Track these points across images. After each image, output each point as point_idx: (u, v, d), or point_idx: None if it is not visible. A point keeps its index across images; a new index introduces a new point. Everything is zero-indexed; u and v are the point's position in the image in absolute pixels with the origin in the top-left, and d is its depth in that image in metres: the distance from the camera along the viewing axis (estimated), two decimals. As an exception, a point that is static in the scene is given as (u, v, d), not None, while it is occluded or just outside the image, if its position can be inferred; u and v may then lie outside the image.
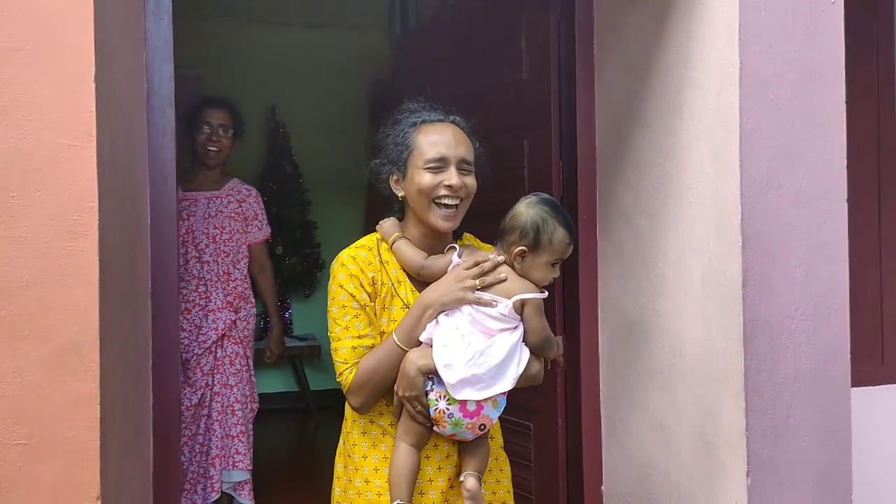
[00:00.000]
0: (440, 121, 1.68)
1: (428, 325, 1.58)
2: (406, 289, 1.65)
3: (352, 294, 1.59)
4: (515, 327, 1.60)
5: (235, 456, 2.92)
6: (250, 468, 2.98)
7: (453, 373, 1.52)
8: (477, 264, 1.59)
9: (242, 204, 3.14)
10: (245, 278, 3.11)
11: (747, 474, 1.83)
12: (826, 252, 1.88)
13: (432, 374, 1.56)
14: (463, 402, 1.55)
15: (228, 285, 3.02)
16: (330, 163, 5.74)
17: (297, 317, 5.73)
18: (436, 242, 1.68)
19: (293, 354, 5.34)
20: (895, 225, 2.65)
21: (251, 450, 3.00)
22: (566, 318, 2.56)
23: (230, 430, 2.93)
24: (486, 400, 1.55)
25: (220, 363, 2.94)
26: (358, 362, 1.58)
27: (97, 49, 1.46)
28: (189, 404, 2.90)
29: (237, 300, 3.03)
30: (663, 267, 2.11)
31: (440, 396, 1.55)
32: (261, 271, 3.25)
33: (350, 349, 1.59)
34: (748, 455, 1.82)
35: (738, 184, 1.80)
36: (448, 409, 1.55)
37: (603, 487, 2.47)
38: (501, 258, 1.60)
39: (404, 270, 1.66)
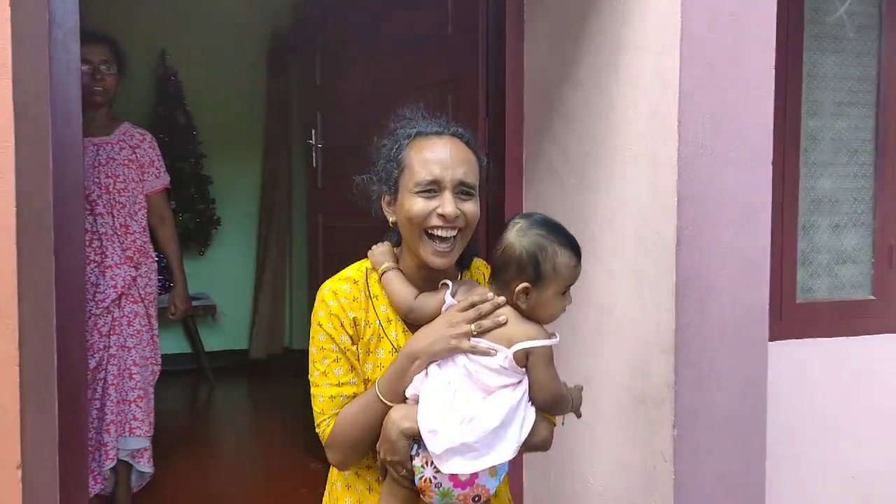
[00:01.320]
0: (437, 133, 1.43)
1: (416, 377, 1.38)
2: (397, 329, 1.45)
3: (331, 335, 1.41)
4: (519, 382, 1.38)
5: (133, 422, 2.76)
6: (150, 435, 2.82)
7: (439, 441, 1.31)
8: (473, 305, 1.37)
9: (136, 150, 2.92)
10: (144, 231, 2.91)
11: (673, 426, 1.89)
12: (752, 214, 1.95)
13: (418, 438, 1.35)
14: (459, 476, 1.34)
15: (126, 239, 2.81)
16: (226, 115, 5.48)
17: (191, 275, 5.39)
18: (432, 274, 1.44)
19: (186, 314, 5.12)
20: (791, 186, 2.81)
21: (152, 415, 2.85)
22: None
23: (127, 394, 2.76)
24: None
25: (117, 324, 2.76)
26: (337, 413, 1.40)
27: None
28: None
29: (136, 255, 2.83)
30: (594, 227, 2.13)
31: (426, 462, 1.35)
32: (160, 222, 3.05)
33: (328, 398, 1.41)
34: (675, 408, 1.88)
35: (676, 145, 1.83)
36: (436, 479, 1.34)
37: (525, 443, 2.51)
38: (502, 299, 1.38)
39: None
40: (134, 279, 2.81)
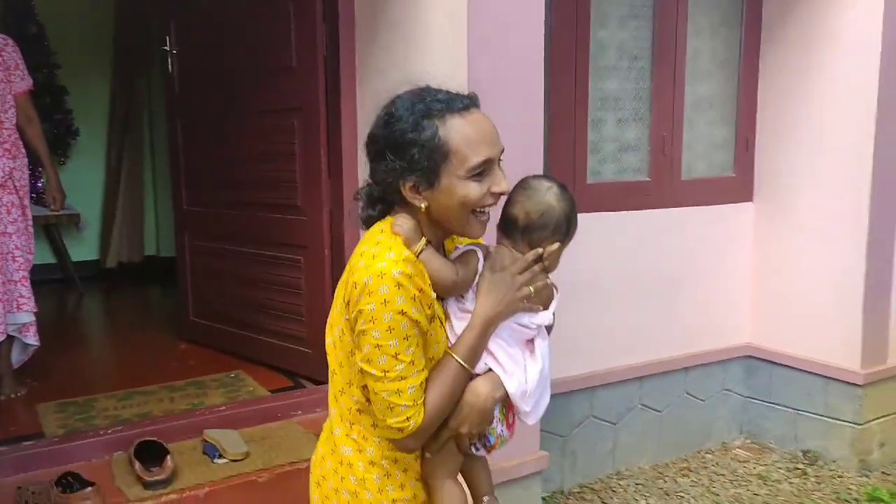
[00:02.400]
0: (466, 108, 1.33)
1: None
2: (437, 303, 1.40)
3: (416, 320, 1.30)
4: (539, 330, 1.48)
5: (20, 299, 3.04)
6: (35, 310, 3.12)
7: (529, 398, 1.42)
8: (526, 265, 1.40)
9: (1, 53, 3.11)
10: (14, 128, 3.12)
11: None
12: (529, 100, 2.46)
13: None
14: (508, 419, 1.47)
15: (2, 134, 3.03)
16: (80, 24, 5.50)
17: (52, 186, 5.55)
18: (444, 243, 1.47)
19: (50, 223, 5.24)
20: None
21: (33, 294, 3.13)
22: (330, 161, 2.98)
23: (12, 275, 3.03)
24: None
25: None
26: (424, 400, 1.33)
27: None
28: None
29: (12, 148, 3.06)
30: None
31: (497, 421, 1.45)
32: (28, 122, 3.25)
33: (417, 387, 1.32)
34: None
35: (465, 43, 2.29)
36: (501, 431, 1.47)
37: (363, 301, 3.00)
38: (541, 250, 1.41)
39: None
40: (10, 171, 3.03)
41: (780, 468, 3.60)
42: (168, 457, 2.42)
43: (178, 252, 3.85)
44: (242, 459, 2.54)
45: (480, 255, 1.43)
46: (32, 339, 3.14)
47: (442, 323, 1.38)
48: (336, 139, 2.93)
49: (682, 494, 3.36)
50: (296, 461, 2.55)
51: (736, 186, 3.79)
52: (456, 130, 1.30)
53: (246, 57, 3.26)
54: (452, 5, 2.33)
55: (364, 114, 2.86)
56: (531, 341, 1.46)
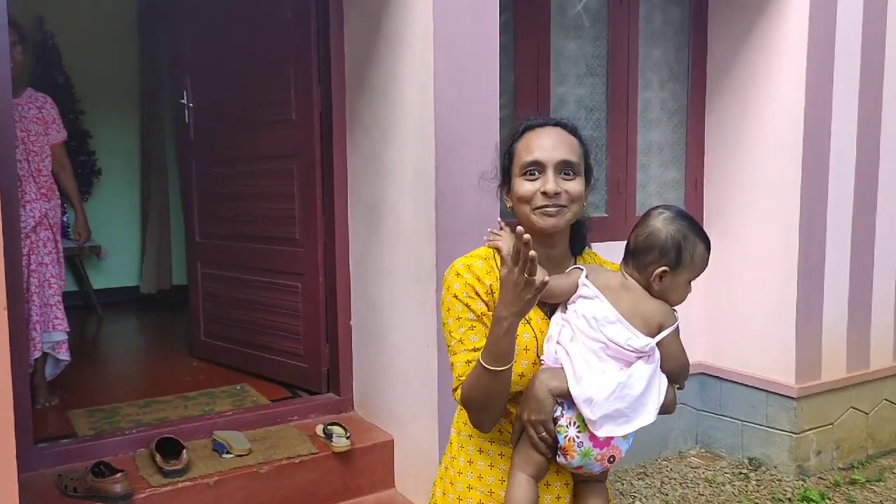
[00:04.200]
0: (541, 125, 1.57)
1: (548, 347, 1.50)
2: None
3: (467, 304, 1.51)
4: (651, 354, 1.49)
5: (54, 320, 3.53)
6: (67, 330, 3.60)
7: (595, 408, 1.42)
8: (518, 255, 1.35)
9: (42, 110, 3.64)
10: (50, 174, 3.64)
11: (436, 291, 2.88)
12: (486, 149, 2.93)
13: (562, 399, 1.46)
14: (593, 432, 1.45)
15: (39, 179, 3.55)
16: (101, 73, 6.06)
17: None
18: (549, 250, 1.56)
19: (73, 254, 5.74)
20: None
21: (66, 316, 3.61)
22: (324, 201, 3.47)
23: (48, 299, 3.52)
24: None
25: (35, 246, 3.49)
26: (464, 380, 1.50)
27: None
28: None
29: (48, 192, 3.57)
30: (388, 163, 3.08)
31: (570, 422, 1.45)
32: (61, 168, 3.78)
33: (464, 363, 1.50)
34: (437, 281, 2.87)
35: (433, 106, 2.78)
36: (578, 438, 1.45)
37: (351, 322, 3.47)
38: (522, 229, 1.37)
39: None
40: (46, 212, 3.54)
41: (726, 473, 4.02)
42: (184, 451, 2.87)
43: (191, 279, 4.33)
44: (246, 455, 2.99)
45: (584, 273, 1.52)
46: (64, 355, 3.62)
47: (527, 321, 1.51)
48: (329, 181, 3.41)
49: (635, 494, 3.78)
50: (292, 456, 3.00)
51: (687, 221, 4.25)
52: (523, 139, 1.56)
53: (251, 109, 3.76)
54: (423, 78, 2.82)
55: (352, 162, 3.35)
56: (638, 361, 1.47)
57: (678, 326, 1.53)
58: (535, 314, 1.55)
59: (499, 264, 1.53)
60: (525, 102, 3.64)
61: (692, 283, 1.55)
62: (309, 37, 3.39)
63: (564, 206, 1.50)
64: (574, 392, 1.43)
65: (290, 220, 3.61)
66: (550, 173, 1.49)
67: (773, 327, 3.97)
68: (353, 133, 3.34)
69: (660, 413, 1.50)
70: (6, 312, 2.12)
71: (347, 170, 3.39)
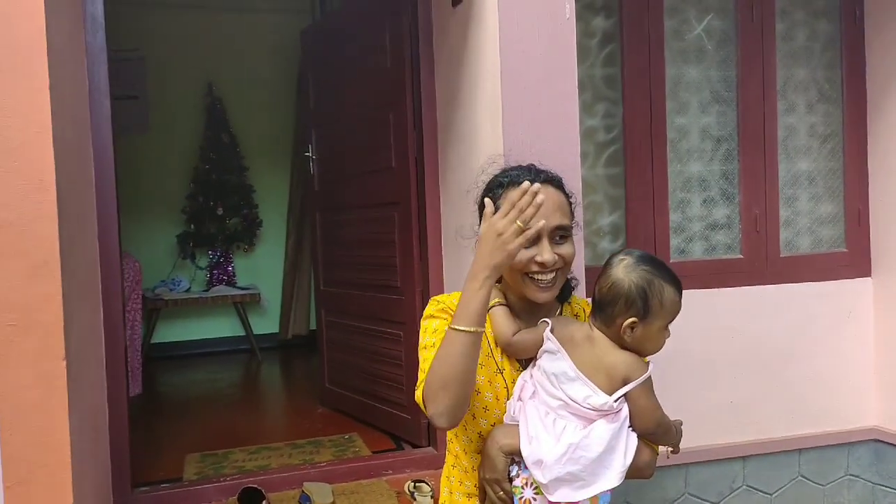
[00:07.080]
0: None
1: (510, 404, 1.46)
2: (503, 354, 1.54)
3: (438, 319, 1.54)
4: (618, 411, 1.38)
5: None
6: None
7: (545, 471, 1.34)
8: (512, 206, 1.34)
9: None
10: None
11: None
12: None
13: (517, 457, 1.39)
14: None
15: None
16: (263, 132, 6.48)
17: (240, 269, 6.51)
18: (536, 306, 1.54)
19: (237, 301, 6.12)
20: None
21: None
22: (421, 248, 3.37)
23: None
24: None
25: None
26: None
27: (51, 69, 2.20)
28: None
29: None
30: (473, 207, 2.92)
31: (526, 483, 1.39)
32: None
33: (430, 364, 1.45)
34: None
35: (502, 143, 2.60)
36: (535, 500, 1.37)
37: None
38: (526, 184, 1.36)
39: None
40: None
41: (905, 565, 3.33)
42: (263, 501, 2.86)
43: (318, 326, 4.41)
44: (327, 508, 2.92)
45: (549, 326, 1.47)
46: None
47: (500, 370, 1.51)
48: (423, 228, 3.32)
49: (781, 583, 3.23)
50: (371, 513, 2.88)
51: (849, 261, 3.66)
52: (510, 201, 1.39)
53: (360, 157, 3.79)
54: (492, 114, 2.67)
55: (444, 208, 3.24)
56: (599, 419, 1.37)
57: (650, 379, 1.42)
58: (508, 365, 1.53)
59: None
60: (636, 136, 3.34)
61: (669, 327, 1.45)
62: (404, 82, 3.36)
63: (558, 271, 1.49)
64: (524, 452, 1.37)
65: (392, 267, 3.56)
66: (545, 242, 1.46)
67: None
68: (445, 177, 3.23)
69: (633, 477, 1.41)
70: (65, 363, 2.21)
71: (441, 216, 3.28)
